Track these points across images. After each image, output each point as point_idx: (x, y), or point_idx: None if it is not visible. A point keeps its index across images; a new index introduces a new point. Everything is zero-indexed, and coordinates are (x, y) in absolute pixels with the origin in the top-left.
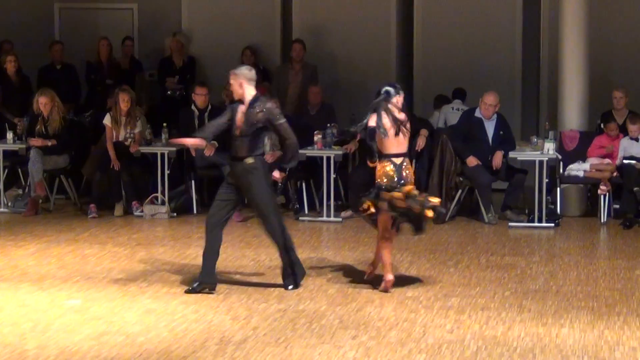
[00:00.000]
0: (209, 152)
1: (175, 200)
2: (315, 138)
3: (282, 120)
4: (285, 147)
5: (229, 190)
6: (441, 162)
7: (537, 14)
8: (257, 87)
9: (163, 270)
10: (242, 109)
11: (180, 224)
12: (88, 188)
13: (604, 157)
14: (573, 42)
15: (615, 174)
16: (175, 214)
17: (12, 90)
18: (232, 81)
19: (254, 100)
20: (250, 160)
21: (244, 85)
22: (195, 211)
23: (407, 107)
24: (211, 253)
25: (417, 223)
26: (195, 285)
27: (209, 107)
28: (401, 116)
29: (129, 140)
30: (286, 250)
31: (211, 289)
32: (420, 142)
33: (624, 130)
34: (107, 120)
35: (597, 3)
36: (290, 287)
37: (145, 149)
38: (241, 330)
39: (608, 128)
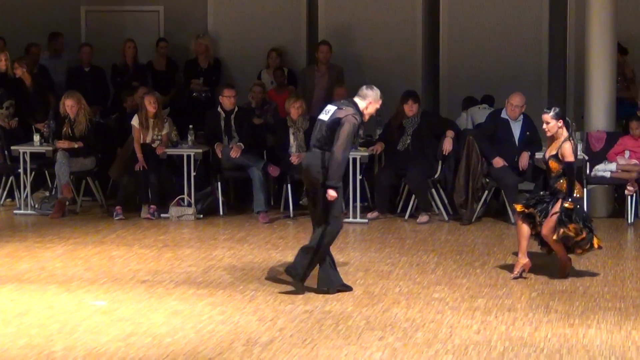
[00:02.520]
0: (235, 154)
1: (201, 202)
2: None
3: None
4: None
5: None
6: (467, 163)
7: (563, 14)
8: (282, 90)
9: (189, 271)
10: None
11: (206, 226)
12: (114, 190)
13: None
14: (600, 42)
15: None
16: (201, 216)
17: (27, 95)
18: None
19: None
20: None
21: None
22: (221, 213)
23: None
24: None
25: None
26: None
27: (236, 109)
28: None
29: (156, 142)
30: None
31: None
32: (447, 144)
33: None
34: (134, 121)
35: (624, 2)
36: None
37: (171, 151)
38: (268, 331)
39: (631, 127)
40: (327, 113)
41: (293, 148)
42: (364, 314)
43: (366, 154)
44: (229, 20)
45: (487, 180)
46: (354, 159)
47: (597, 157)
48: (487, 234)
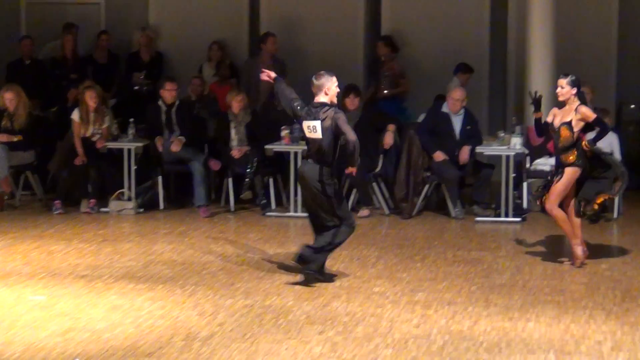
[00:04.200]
0: (175, 148)
1: (142, 196)
2: (283, 133)
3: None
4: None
5: None
6: (408, 157)
7: (504, 8)
8: (225, 83)
9: (129, 266)
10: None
11: (147, 220)
12: (54, 184)
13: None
14: (540, 37)
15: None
16: (141, 210)
17: None
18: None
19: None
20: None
21: None
22: (161, 207)
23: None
24: None
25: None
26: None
27: (177, 102)
28: None
29: (96, 136)
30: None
31: None
32: (388, 138)
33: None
34: (74, 115)
35: (564, 5)
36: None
37: (111, 145)
38: (207, 326)
39: None
40: (314, 130)
41: (234, 142)
42: (304, 308)
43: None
44: (171, 13)
45: (428, 174)
46: (295, 153)
47: (537, 151)
48: (428, 228)
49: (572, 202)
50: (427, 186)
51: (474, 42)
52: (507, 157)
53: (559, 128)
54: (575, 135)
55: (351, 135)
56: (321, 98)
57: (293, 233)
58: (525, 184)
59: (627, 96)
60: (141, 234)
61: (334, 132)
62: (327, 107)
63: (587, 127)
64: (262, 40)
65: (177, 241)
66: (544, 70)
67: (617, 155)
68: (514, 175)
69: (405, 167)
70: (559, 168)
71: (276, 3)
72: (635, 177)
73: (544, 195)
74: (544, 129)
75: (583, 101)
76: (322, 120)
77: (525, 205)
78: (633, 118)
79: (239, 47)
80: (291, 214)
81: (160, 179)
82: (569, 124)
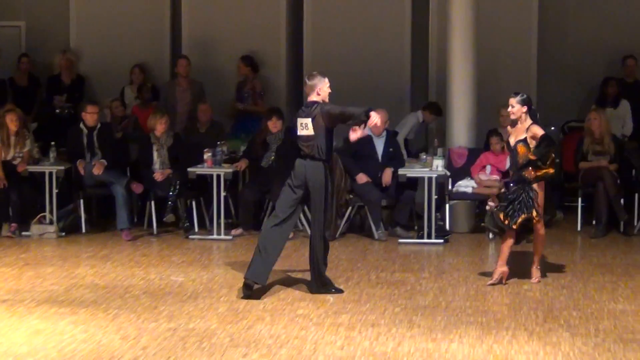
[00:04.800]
0: (97, 171)
1: (63, 220)
2: (205, 156)
3: None
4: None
5: None
6: (331, 179)
7: (425, 32)
8: (147, 106)
9: (51, 290)
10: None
11: (69, 244)
12: None
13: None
14: (460, 60)
15: (502, 190)
16: (63, 233)
17: None
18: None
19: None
20: None
21: None
22: (84, 230)
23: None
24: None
25: None
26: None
27: (98, 125)
28: None
29: (17, 159)
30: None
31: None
32: None
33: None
34: None
35: (485, 22)
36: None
37: (32, 168)
38: (131, 349)
39: (491, 142)
40: (306, 127)
41: (156, 165)
42: (228, 330)
43: (230, 170)
44: (92, 36)
45: (351, 196)
46: (218, 176)
47: (459, 173)
48: (351, 249)
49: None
50: (350, 208)
51: (395, 64)
52: (429, 179)
53: (515, 146)
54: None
55: (339, 108)
56: (314, 97)
57: (216, 256)
58: (447, 206)
59: (547, 118)
60: (63, 258)
61: (326, 128)
62: (316, 105)
63: None
64: (174, 63)
65: (100, 265)
66: (464, 94)
67: None
68: (436, 197)
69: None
70: (519, 184)
71: (197, 25)
72: (555, 198)
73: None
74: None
75: (535, 119)
76: (313, 118)
77: (447, 226)
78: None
79: (160, 70)
80: (214, 236)
81: (82, 202)
82: (524, 141)
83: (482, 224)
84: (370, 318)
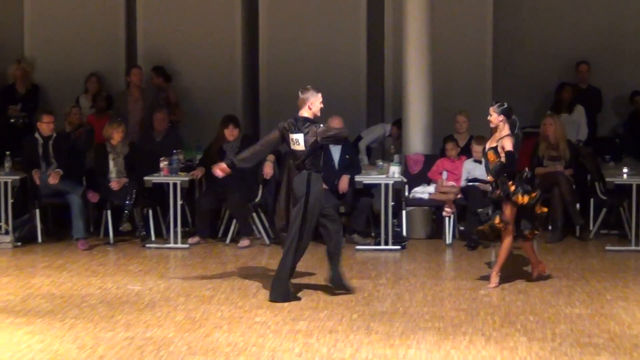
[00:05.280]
0: (53, 180)
1: (19, 230)
2: (162, 165)
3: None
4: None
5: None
6: (288, 187)
7: (380, 39)
8: (102, 115)
9: (7, 300)
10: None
11: (24, 254)
12: None
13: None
14: (416, 67)
15: (459, 195)
16: (19, 244)
17: None
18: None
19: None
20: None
21: None
22: (40, 240)
23: (252, 132)
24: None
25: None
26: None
27: (54, 135)
28: None
29: None
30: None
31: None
32: (267, 168)
33: (467, 153)
34: None
35: (440, 29)
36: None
37: None
38: (88, 359)
39: (447, 148)
40: (298, 143)
41: (113, 174)
42: (186, 339)
43: (186, 178)
44: (47, 45)
45: None
46: (175, 184)
47: (416, 180)
48: (309, 257)
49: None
50: None
51: (351, 71)
52: (386, 185)
53: (487, 152)
54: (503, 159)
55: (328, 131)
56: (304, 112)
57: (173, 264)
58: (404, 212)
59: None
60: (19, 268)
61: (317, 144)
62: (308, 123)
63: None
64: (127, 72)
65: (56, 274)
66: (420, 100)
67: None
68: (392, 203)
69: (285, 196)
70: (494, 190)
71: (152, 34)
72: None
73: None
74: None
75: (514, 128)
76: (305, 134)
77: (404, 232)
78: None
79: (115, 79)
80: (171, 245)
81: (37, 212)
82: (494, 149)
83: (473, 235)
84: (328, 325)
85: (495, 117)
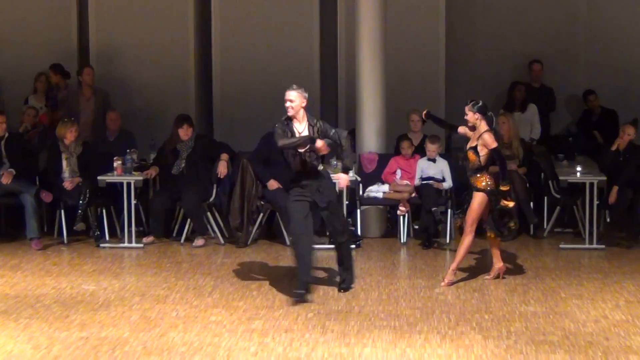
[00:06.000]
0: (6, 180)
1: None
2: (115, 164)
3: (334, 131)
4: (343, 152)
5: (305, 206)
6: (242, 186)
7: (333, 39)
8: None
9: None
10: (299, 127)
11: None
12: None
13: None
14: (369, 67)
15: (413, 194)
16: None
17: None
18: (295, 97)
19: (310, 118)
20: (321, 167)
21: (304, 105)
22: None
23: (205, 131)
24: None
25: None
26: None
27: (6, 135)
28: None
29: None
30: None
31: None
32: (222, 167)
33: (421, 152)
34: None
35: (393, 29)
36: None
37: None
38: (43, 359)
39: (401, 146)
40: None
41: (66, 173)
42: (141, 339)
43: (140, 178)
44: None
45: (262, 202)
46: (128, 184)
47: (370, 178)
48: (263, 256)
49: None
50: (261, 215)
51: (303, 70)
52: None
53: (466, 152)
54: (483, 160)
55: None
56: (290, 111)
57: (128, 264)
58: (358, 211)
59: (456, 123)
60: None
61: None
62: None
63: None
64: (79, 72)
65: (10, 274)
66: (374, 100)
67: (449, 182)
68: (347, 202)
69: (240, 195)
70: (471, 190)
71: (104, 33)
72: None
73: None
74: (438, 118)
75: (491, 124)
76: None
77: (359, 231)
78: (462, 144)
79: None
80: (125, 244)
81: None
82: (474, 148)
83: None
84: (283, 324)
85: (471, 115)
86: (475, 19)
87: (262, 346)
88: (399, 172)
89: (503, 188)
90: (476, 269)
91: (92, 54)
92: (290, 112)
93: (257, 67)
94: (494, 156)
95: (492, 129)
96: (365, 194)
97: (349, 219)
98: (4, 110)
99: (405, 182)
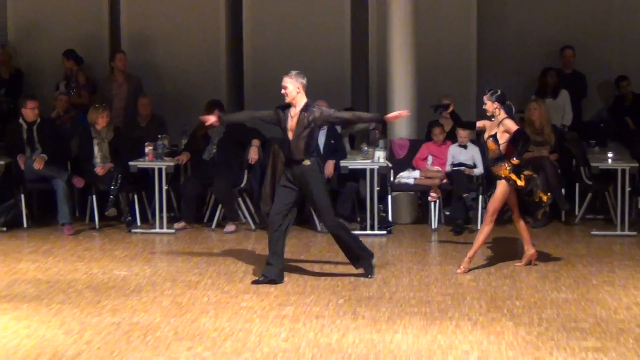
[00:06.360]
0: (38, 166)
1: (4, 215)
2: (147, 150)
3: (333, 111)
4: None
5: (287, 193)
6: (273, 171)
7: (365, 23)
8: (88, 101)
9: None
10: (293, 112)
11: (10, 239)
12: None
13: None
14: (401, 50)
15: (444, 180)
16: (4, 229)
17: None
18: (289, 84)
19: (307, 106)
20: (307, 162)
21: (302, 91)
22: (25, 225)
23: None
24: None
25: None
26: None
27: (38, 120)
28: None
29: None
30: (350, 238)
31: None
32: (253, 153)
33: (453, 138)
34: None
35: (424, 14)
36: (366, 270)
37: None
38: (74, 344)
39: (433, 132)
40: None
41: (98, 159)
42: (173, 324)
43: (172, 163)
44: (29, 30)
45: None
46: (160, 169)
47: (401, 164)
48: (294, 242)
49: (517, 211)
50: None
51: (335, 55)
52: (371, 170)
53: (486, 141)
54: (503, 148)
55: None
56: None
57: (159, 249)
58: (389, 197)
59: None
60: (5, 253)
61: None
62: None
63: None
64: (111, 57)
65: (42, 260)
66: (405, 86)
67: (480, 168)
68: (378, 188)
69: (271, 181)
70: (491, 180)
71: (136, 19)
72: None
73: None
74: (459, 119)
75: (510, 113)
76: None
77: (390, 217)
78: None
79: (99, 65)
80: (157, 230)
81: (22, 197)
82: (494, 136)
83: (459, 220)
84: (314, 310)
85: (490, 104)
86: (507, 5)
87: (293, 332)
88: (430, 158)
89: (513, 161)
90: (507, 255)
91: (124, 40)
92: (287, 99)
93: (288, 52)
94: (517, 137)
95: (512, 117)
96: (396, 180)
97: (380, 205)
98: (35, 96)
99: (437, 168)
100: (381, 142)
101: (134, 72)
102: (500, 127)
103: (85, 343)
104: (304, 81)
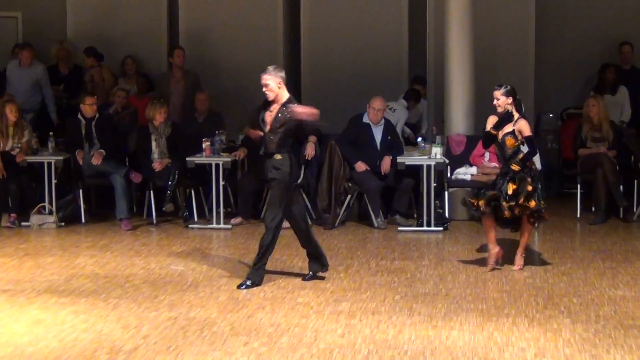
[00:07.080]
0: (96, 161)
1: (63, 210)
2: (204, 145)
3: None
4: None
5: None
6: (330, 167)
7: (423, 19)
8: (143, 96)
9: (52, 280)
10: (273, 107)
11: (68, 234)
12: None
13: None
14: (459, 47)
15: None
16: (63, 224)
17: None
18: (269, 81)
19: (289, 100)
20: (278, 156)
21: (282, 85)
22: (83, 220)
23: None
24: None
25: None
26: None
27: (97, 116)
28: None
29: (16, 150)
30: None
31: None
32: (309, 149)
33: None
34: None
35: (482, 10)
36: (319, 272)
37: (31, 159)
38: (132, 339)
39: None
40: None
41: (155, 154)
42: (229, 319)
43: (229, 159)
44: (89, 27)
45: (350, 184)
46: (217, 165)
47: (458, 161)
48: (350, 238)
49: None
50: (349, 196)
51: (393, 52)
52: (428, 166)
53: (504, 139)
54: (519, 142)
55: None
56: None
57: (216, 245)
58: (446, 194)
59: (545, 105)
60: (63, 248)
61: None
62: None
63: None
64: (170, 53)
65: (100, 254)
66: (462, 81)
67: (538, 165)
68: (434, 184)
69: (327, 177)
70: (506, 176)
71: (194, 15)
72: (554, 185)
73: (477, 201)
74: (490, 142)
75: (520, 109)
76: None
77: (447, 214)
78: (551, 127)
79: (158, 60)
80: (214, 225)
81: (81, 192)
82: (512, 133)
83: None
84: (370, 306)
85: (503, 100)
86: (566, 1)
87: (349, 328)
88: (487, 154)
89: (514, 167)
90: (565, 252)
91: (182, 36)
92: (270, 96)
93: (346, 49)
94: (527, 143)
95: (524, 115)
96: (453, 177)
97: (437, 201)
98: (94, 92)
99: (494, 164)
100: (438, 139)
101: (191, 68)
102: (516, 126)
103: (142, 337)
104: (283, 74)
